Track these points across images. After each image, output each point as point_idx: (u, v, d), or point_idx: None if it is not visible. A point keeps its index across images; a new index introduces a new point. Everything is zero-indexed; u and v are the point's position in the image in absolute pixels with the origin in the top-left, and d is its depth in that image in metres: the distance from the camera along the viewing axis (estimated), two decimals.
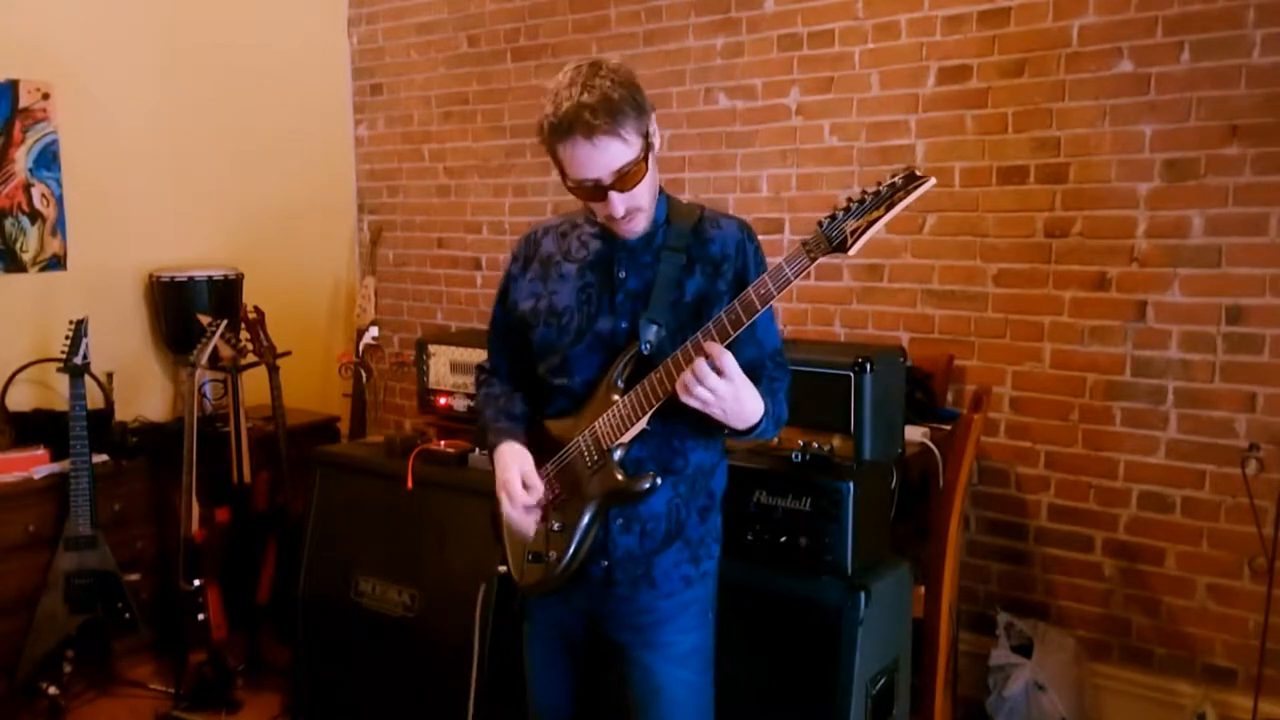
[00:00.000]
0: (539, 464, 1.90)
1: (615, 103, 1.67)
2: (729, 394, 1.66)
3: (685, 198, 3.84)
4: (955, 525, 2.76)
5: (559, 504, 1.88)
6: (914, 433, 2.88)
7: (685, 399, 1.67)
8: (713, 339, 1.67)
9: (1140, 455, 3.04)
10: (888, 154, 3.36)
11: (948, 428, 2.97)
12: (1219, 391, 2.91)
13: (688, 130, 3.79)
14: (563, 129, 1.68)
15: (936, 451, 2.87)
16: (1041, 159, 3.11)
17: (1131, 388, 3.04)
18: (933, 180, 1.57)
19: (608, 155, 1.68)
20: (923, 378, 3.18)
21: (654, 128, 1.77)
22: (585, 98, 1.66)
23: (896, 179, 1.57)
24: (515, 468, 1.86)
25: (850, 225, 1.58)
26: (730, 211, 3.68)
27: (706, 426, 1.86)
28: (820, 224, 1.61)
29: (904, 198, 1.56)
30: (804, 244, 1.62)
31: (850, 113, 3.43)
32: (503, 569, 2.04)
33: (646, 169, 1.75)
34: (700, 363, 1.64)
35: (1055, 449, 3.18)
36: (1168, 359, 2.98)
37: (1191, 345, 2.94)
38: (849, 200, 1.60)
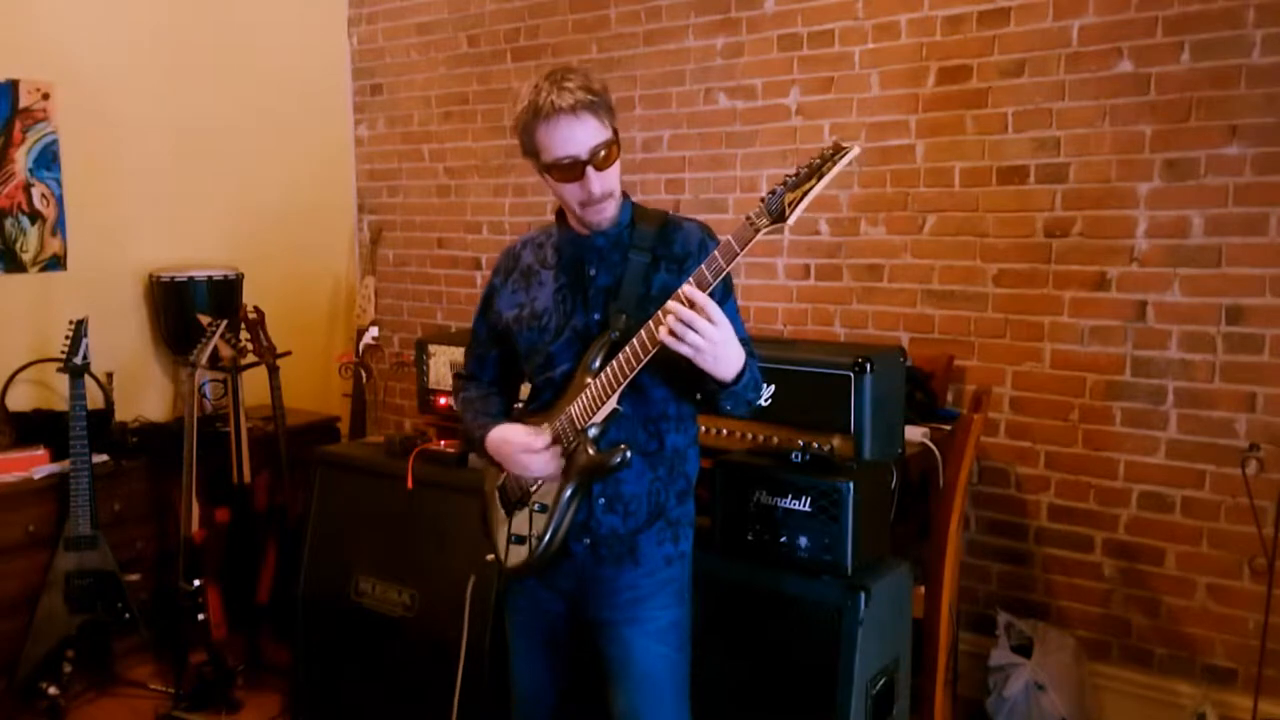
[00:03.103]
0: None
1: (592, 89, 1.84)
2: (715, 335, 1.72)
3: (685, 197, 3.87)
4: (955, 525, 2.76)
5: (540, 487, 1.97)
6: (914, 433, 2.88)
7: (674, 345, 1.73)
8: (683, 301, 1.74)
9: (1140, 455, 3.05)
10: (888, 154, 3.36)
11: (948, 428, 2.97)
12: (1219, 391, 2.92)
13: (688, 130, 3.80)
14: (545, 109, 1.80)
15: (936, 451, 2.87)
16: (1041, 159, 3.11)
17: (1131, 388, 3.04)
18: (857, 149, 1.73)
19: (587, 131, 1.82)
20: (923, 378, 3.18)
21: (619, 132, 1.90)
22: (566, 84, 1.81)
23: (826, 151, 1.72)
24: (515, 431, 1.97)
25: (788, 198, 1.70)
26: (729, 212, 3.70)
27: (689, 405, 2.01)
28: (762, 200, 1.72)
29: (832, 168, 1.70)
30: (748, 219, 1.72)
31: (850, 113, 3.43)
32: (490, 558, 2.12)
33: (617, 155, 1.88)
34: (682, 307, 1.71)
35: (1055, 449, 3.18)
36: (1168, 359, 2.98)
37: (1191, 345, 2.94)
38: (785, 177, 1.73)
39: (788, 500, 2.39)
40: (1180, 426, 2.98)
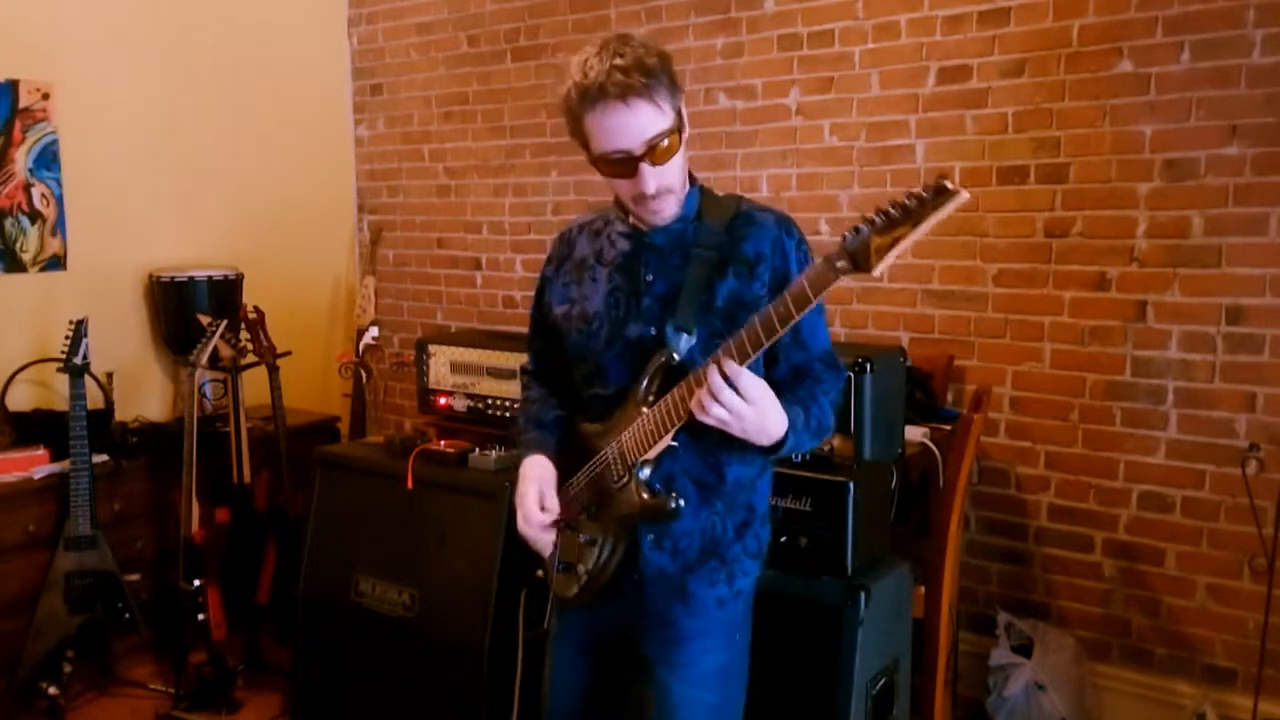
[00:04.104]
0: (572, 471, 1.85)
1: (650, 67, 1.60)
2: (747, 413, 1.56)
3: None
4: (955, 525, 2.76)
5: (590, 515, 1.82)
6: (914, 433, 2.88)
7: (702, 418, 1.59)
8: (732, 357, 1.56)
9: (1140, 455, 3.04)
10: (888, 154, 3.36)
11: (948, 428, 2.97)
12: (1219, 391, 2.91)
13: (687, 130, 3.78)
14: (593, 93, 1.58)
15: (936, 451, 2.87)
16: (1041, 159, 3.11)
17: (1131, 388, 3.04)
18: (965, 195, 1.36)
19: (641, 120, 1.60)
20: (923, 378, 3.18)
21: (684, 109, 1.70)
22: (619, 61, 1.58)
23: (926, 191, 1.36)
24: (534, 486, 1.81)
25: (875, 242, 1.41)
26: None
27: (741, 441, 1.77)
28: (844, 238, 1.45)
29: (933, 214, 1.36)
30: (827, 259, 1.48)
31: (850, 113, 3.43)
32: (540, 574, 2.01)
33: (679, 144, 1.67)
34: (716, 380, 1.54)
35: (1055, 449, 3.18)
36: (1168, 359, 2.98)
37: (1191, 345, 2.94)
38: (876, 212, 1.42)
39: (788, 500, 2.39)
40: (1180, 426, 2.98)
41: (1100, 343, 3.08)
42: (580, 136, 1.67)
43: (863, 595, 2.29)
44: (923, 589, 2.71)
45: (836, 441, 2.38)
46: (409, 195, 4.68)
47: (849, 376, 2.34)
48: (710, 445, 1.74)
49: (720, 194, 1.82)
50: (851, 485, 2.32)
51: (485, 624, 2.67)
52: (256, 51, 4.39)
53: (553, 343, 1.92)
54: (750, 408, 1.56)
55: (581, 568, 1.80)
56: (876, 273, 1.43)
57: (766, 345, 1.55)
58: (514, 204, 4.32)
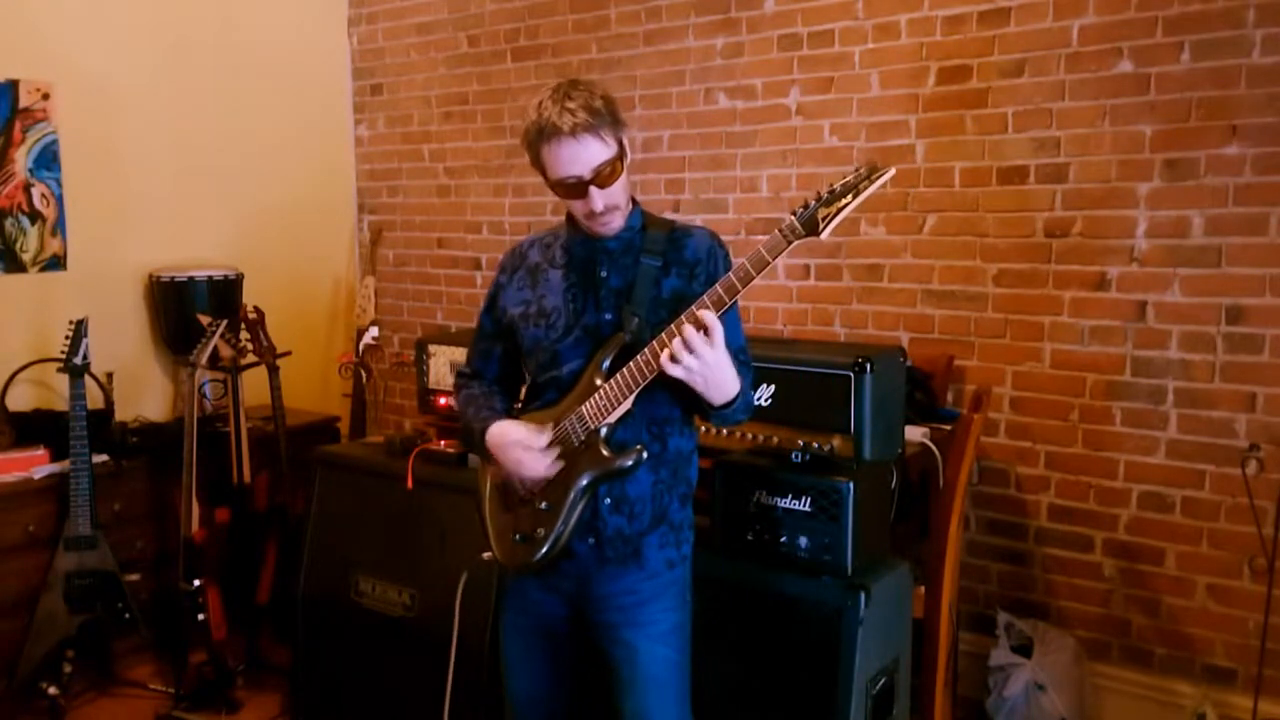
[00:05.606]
0: None
1: (595, 109, 1.86)
2: (713, 361, 1.79)
3: (685, 197, 3.87)
4: (955, 525, 2.76)
5: (546, 485, 1.97)
6: (914, 433, 2.88)
7: (671, 369, 1.79)
8: (707, 309, 1.80)
9: (1140, 455, 3.05)
10: (888, 154, 3.36)
11: (948, 428, 2.97)
12: (1219, 391, 2.91)
13: (688, 130, 3.79)
14: (548, 130, 1.84)
15: (936, 451, 2.87)
16: (1041, 159, 3.11)
17: (1131, 388, 3.04)
18: (893, 170, 1.77)
19: (588, 152, 1.85)
20: (923, 378, 3.18)
21: (627, 140, 1.94)
22: (568, 104, 1.84)
23: (861, 170, 1.77)
24: (516, 427, 1.99)
25: (822, 212, 1.75)
26: (729, 212, 3.71)
27: (684, 411, 2.03)
28: (794, 212, 1.77)
29: (868, 186, 1.74)
30: (780, 230, 1.77)
31: (850, 113, 3.43)
32: (487, 556, 2.11)
33: (622, 169, 1.91)
34: (690, 329, 1.77)
35: (1055, 449, 3.18)
36: (1168, 359, 2.98)
37: (1191, 345, 2.94)
38: (819, 192, 1.77)
39: (788, 500, 2.39)
40: (1180, 426, 2.98)
41: (1100, 343, 3.08)
42: (539, 166, 1.92)
43: (863, 595, 2.29)
44: (923, 589, 2.71)
45: (836, 441, 2.38)
46: (409, 195, 4.68)
47: (851, 376, 2.34)
48: (655, 416, 1.98)
49: (655, 216, 2.08)
50: (851, 485, 2.32)
51: (485, 624, 2.67)
52: (256, 51, 4.39)
53: (501, 344, 2.15)
54: (716, 354, 1.79)
55: (541, 532, 1.96)
56: (824, 236, 1.76)
57: (730, 304, 1.80)
58: (514, 204, 4.32)
